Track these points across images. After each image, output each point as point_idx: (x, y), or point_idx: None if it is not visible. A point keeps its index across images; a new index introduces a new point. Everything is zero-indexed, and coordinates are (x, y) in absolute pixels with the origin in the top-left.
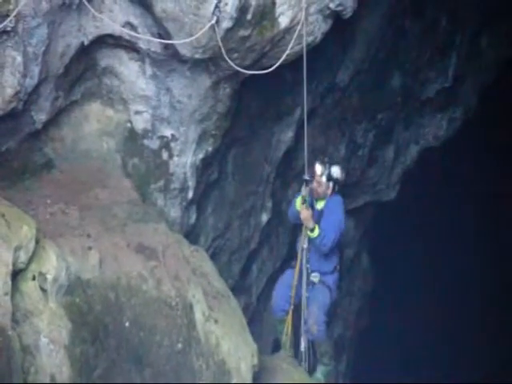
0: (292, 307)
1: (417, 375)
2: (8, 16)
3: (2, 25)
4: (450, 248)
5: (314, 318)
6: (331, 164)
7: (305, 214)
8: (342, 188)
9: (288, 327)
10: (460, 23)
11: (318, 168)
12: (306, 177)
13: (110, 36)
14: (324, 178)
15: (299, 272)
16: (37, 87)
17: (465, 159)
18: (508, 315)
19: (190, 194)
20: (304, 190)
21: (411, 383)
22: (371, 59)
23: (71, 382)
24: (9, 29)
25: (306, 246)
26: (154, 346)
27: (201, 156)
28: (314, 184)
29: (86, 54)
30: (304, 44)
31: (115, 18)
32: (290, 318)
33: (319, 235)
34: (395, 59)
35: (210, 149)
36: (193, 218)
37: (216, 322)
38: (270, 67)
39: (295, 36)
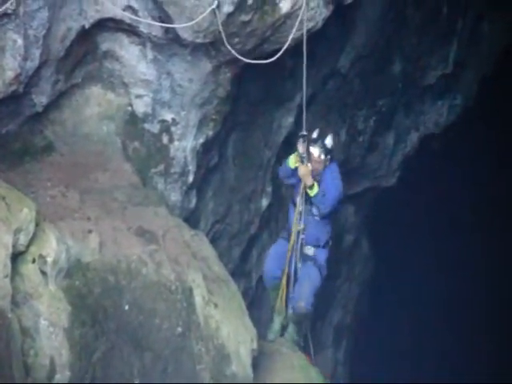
0: (286, 271)
1: (416, 362)
2: None
3: (3, 7)
4: (450, 234)
5: (303, 298)
6: (323, 139)
7: (303, 170)
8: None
9: (283, 291)
10: (461, 10)
11: (315, 151)
12: (304, 132)
13: (111, 20)
14: (322, 156)
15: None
16: (37, 70)
17: (465, 146)
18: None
19: (191, 179)
20: (301, 147)
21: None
22: (372, 45)
23: (70, 368)
24: (10, 11)
25: (302, 208)
26: (154, 329)
27: (201, 140)
28: (312, 165)
29: (87, 37)
30: (304, 30)
31: (116, 2)
32: (284, 282)
33: (319, 193)
34: (396, 45)
35: (210, 133)
36: (193, 203)
37: (216, 306)
38: (271, 52)
39: (297, 22)
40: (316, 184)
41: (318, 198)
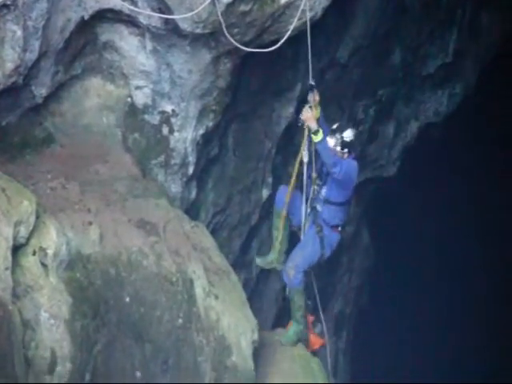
0: (287, 206)
1: (416, 352)
2: None
3: None
4: (450, 224)
5: (294, 263)
6: (342, 130)
7: (306, 114)
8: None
9: (281, 223)
10: None
11: (330, 141)
12: (312, 82)
13: (111, 10)
14: (338, 148)
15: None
16: (37, 61)
17: (465, 135)
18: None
19: (191, 170)
20: (310, 97)
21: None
22: (372, 35)
23: (71, 360)
24: (9, 2)
25: (306, 159)
26: (155, 321)
27: (201, 131)
28: None
29: (87, 28)
30: (308, 18)
31: None
32: (284, 214)
33: (323, 140)
34: (396, 35)
35: (210, 124)
36: (193, 194)
37: (216, 297)
38: (271, 42)
39: (299, 11)
40: (321, 131)
41: (322, 146)
